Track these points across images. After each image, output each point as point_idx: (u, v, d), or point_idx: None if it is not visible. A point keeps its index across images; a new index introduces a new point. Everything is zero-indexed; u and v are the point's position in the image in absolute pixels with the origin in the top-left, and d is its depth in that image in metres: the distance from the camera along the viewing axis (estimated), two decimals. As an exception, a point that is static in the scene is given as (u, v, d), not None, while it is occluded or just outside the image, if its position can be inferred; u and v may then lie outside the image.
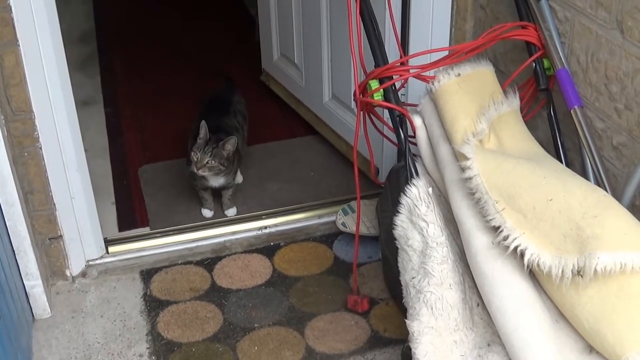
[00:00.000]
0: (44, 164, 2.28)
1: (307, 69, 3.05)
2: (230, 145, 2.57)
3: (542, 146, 1.94)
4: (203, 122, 2.55)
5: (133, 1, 4.67)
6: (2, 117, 2.11)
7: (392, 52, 2.34)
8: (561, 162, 1.92)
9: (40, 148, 2.25)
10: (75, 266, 2.48)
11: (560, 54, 1.95)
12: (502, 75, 2.18)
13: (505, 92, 1.98)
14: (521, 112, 1.99)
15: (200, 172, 2.58)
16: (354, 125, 2.14)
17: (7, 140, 2.11)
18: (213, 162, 2.56)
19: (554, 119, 1.98)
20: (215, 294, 2.41)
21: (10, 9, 2.02)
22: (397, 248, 1.90)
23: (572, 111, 1.86)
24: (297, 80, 3.15)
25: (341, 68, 2.79)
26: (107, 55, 3.99)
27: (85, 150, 3.10)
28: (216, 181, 2.67)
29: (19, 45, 2.09)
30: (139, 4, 4.63)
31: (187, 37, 4.15)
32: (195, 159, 2.55)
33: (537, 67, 1.98)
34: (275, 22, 3.21)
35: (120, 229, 2.71)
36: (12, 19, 2.04)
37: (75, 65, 3.84)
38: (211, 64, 3.78)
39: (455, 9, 2.37)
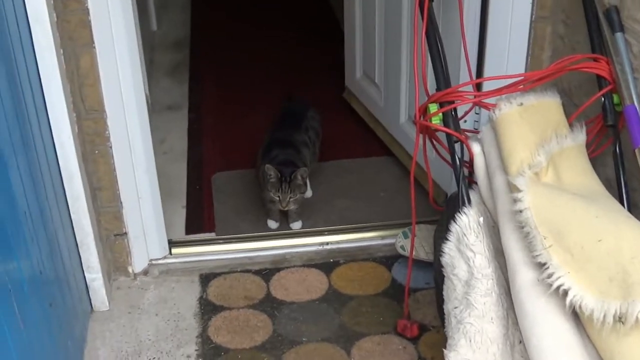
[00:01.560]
0: (113, 163, 2.34)
1: (386, 89, 3.03)
2: (300, 175, 2.63)
3: (609, 185, 1.86)
4: (269, 166, 2.61)
5: (231, 12, 4.77)
6: (75, 115, 2.18)
7: (466, 77, 2.31)
8: (622, 202, 1.84)
9: (111, 147, 2.32)
10: (137, 264, 2.54)
11: (632, 89, 1.86)
12: (575, 109, 2.11)
13: (571, 125, 1.92)
14: (588, 148, 1.92)
15: (287, 208, 2.68)
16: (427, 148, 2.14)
17: (78, 137, 2.19)
18: (295, 195, 2.65)
19: (619, 157, 1.89)
20: (269, 305, 2.42)
21: (88, 12, 2.09)
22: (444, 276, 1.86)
23: (636, 150, 1.78)
24: (377, 99, 3.14)
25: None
26: (198, 62, 4.08)
27: (164, 154, 3.20)
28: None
29: (94, 47, 2.15)
30: (237, 15, 4.73)
31: (278, 51, 4.20)
32: (278, 198, 2.64)
33: (606, 102, 1.90)
34: (360, 41, 3.21)
35: (187, 232, 2.76)
36: (90, 21, 2.11)
37: (167, 70, 3.97)
38: (298, 79, 3.81)
39: (533, 37, 2.31)
